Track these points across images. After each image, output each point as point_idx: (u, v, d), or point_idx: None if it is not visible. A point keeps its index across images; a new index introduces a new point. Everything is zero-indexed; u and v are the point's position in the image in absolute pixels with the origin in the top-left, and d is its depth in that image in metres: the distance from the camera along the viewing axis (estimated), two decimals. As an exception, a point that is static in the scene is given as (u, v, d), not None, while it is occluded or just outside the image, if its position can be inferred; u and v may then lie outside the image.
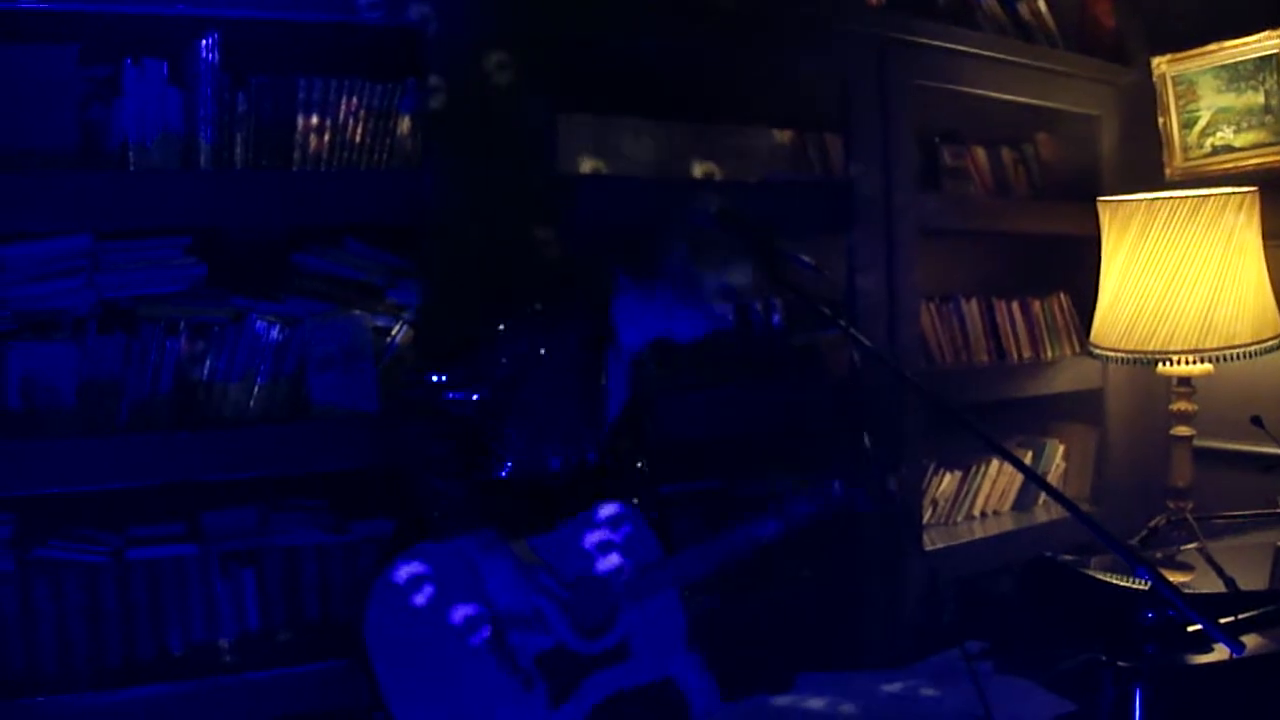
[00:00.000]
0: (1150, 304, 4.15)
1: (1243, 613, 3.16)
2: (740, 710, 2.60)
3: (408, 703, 2.61)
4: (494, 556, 2.68)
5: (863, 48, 4.15)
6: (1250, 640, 3.07)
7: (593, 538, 2.83)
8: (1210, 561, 3.59)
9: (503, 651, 2.68)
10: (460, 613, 2.67)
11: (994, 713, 2.47)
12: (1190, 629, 2.88)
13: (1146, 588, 2.69)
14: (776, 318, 4.06)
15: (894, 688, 2.65)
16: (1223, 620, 3.01)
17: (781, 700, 2.57)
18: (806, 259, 2.79)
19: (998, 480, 4.89)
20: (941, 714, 2.53)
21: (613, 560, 2.83)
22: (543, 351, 2.73)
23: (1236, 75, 4.75)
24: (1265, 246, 4.19)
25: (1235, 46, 4.71)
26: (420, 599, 2.65)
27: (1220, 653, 2.92)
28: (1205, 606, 2.73)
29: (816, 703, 2.57)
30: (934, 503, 4.69)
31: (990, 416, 4.60)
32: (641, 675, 2.83)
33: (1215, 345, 4.06)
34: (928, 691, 2.61)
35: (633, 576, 2.83)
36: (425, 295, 3.34)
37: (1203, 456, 4.40)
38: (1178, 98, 4.95)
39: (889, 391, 4.03)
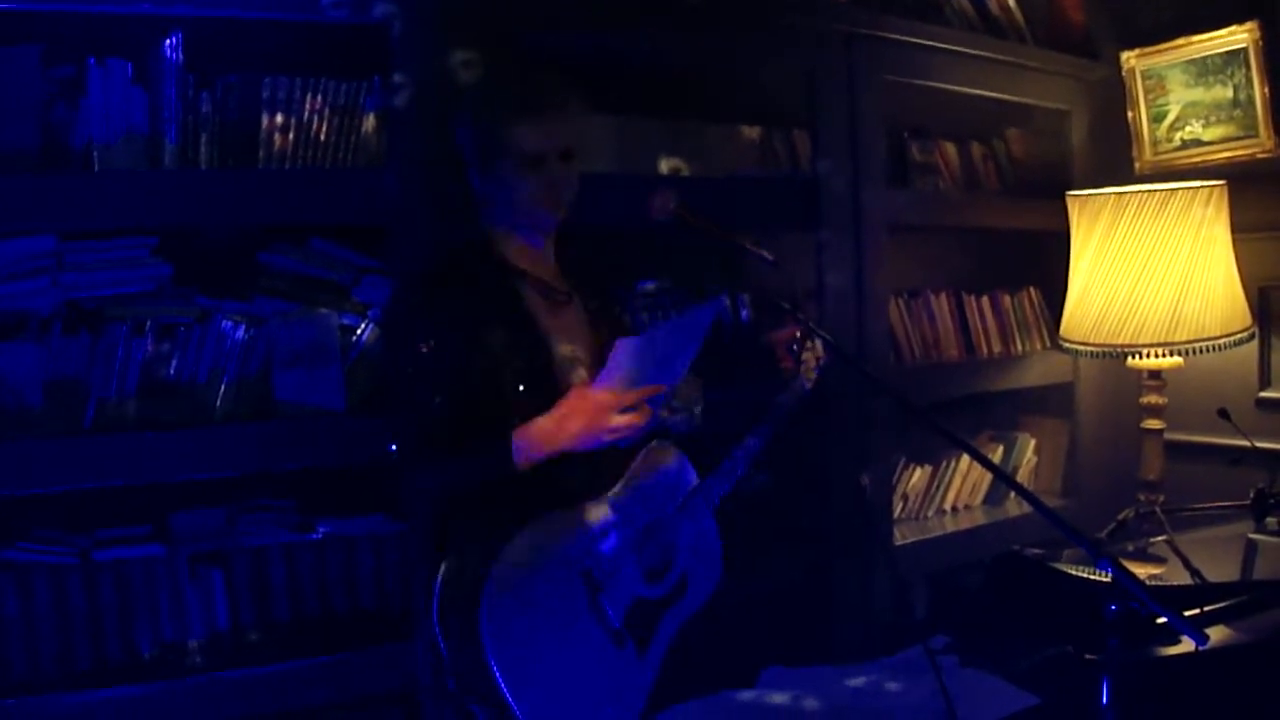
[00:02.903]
0: (1119, 297, 4.16)
1: (1209, 604, 3.17)
2: (703, 706, 2.61)
3: (524, 687, 2.54)
4: (578, 524, 2.71)
5: (830, 43, 4.16)
6: (1218, 632, 3.09)
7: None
8: (1178, 554, 3.61)
9: (599, 615, 2.69)
10: (562, 587, 2.66)
11: (957, 707, 2.47)
12: (1156, 621, 2.89)
13: (1110, 580, 2.69)
14: (745, 314, 4.06)
15: (858, 682, 2.65)
16: (1188, 612, 3.02)
17: (745, 695, 2.58)
18: (765, 254, 2.80)
19: (969, 475, 4.90)
20: (904, 708, 2.53)
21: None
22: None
23: (1205, 70, 4.77)
24: (1234, 239, 4.20)
25: (1204, 41, 4.73)
26: (528, 580, 2.61)
27: (1188, 644, 2.94)
28: (1169, 598, 2.74)
29: (780, 697, 2.58)
30: (904, 497, 4.69)
31: (961, 411, 4.64)
32: (696, 603, 2.90)
33: (1184, 338, 4.07)
34: (891, 686, 2.62)
35: (682, 507, 2.89)
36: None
37: (1173, 449, 4.42)
38: (1147, 92, 4.97)
39: (856, 387, 4.05)
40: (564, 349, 2.85)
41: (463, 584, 2.59)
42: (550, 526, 2.68)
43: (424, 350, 2.70)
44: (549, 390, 2.75)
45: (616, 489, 2.83)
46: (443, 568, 2.68)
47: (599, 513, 2.77)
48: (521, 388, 2.75)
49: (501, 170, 2.79)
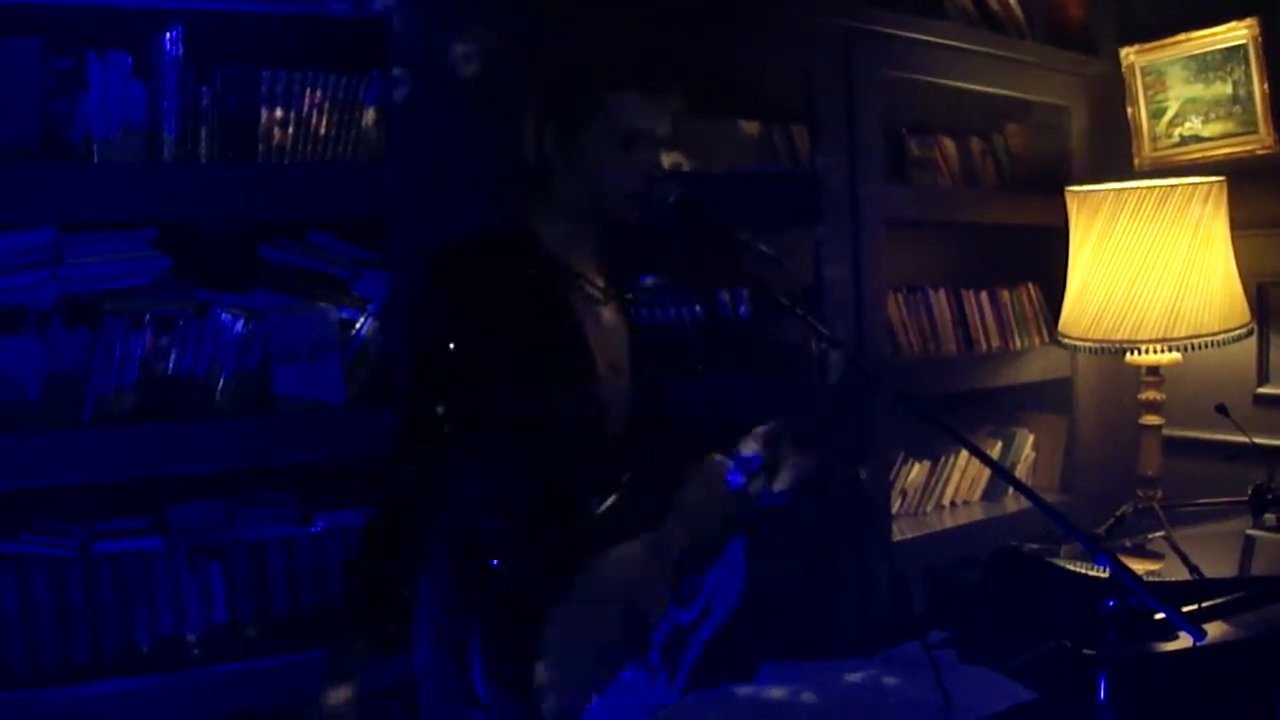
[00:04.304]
0: (1118, 293, 4.16)
1: (1207, 600, 3.17)
2: (700, 700, 2.60)
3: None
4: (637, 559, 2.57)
5: (829, 38, 4.15)
6: (1215, 628, 3.09)
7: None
8: (1176, 549, 3.61)
9: (641, 653, 2.57)
10: (615, 630, 2.53)
11: (954, 701, 2.47)
12: (1154, 617, 2.89)
13: (1108, 576, 2.69)
14: (744, 309, 4.06)
15: (856, 677, 2.63)
16: (1186, 608, 3.02)
17: (744, 689, 2.57)
18: (766, 249, 2.77)
19: (967, 470, 4.90)
20: (901, 703, 2.52)
21: None
22: None
23: (1205, 65, 4.77)
24: (1233, 236, 4.20)
25: (1204, 37, 4.73)
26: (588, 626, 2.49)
27: (1186, 640, 2.93)
28: (1167, 594, 2.74)
29: (778, 692, 2.56)
30: (903, 493, 4.70)
31: (959, 406, 4.63)
32: (718, 622, 2.75)
33: (1183, 334, 4.07)
34: (889, 680, 2.60)
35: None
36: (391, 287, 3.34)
37: (1171, 445, 4.42)
38: (1146, 88, 4.97)
39: (856, 382, 4.05)
40: (602, 359, 2.68)
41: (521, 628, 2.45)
42: (615, 565, 2.53)
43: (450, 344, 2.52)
44: (586, 407, 2.64)
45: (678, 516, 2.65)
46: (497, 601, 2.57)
47: (655, 551, 2.61)
48: (556, 401, 2.60)
49: (589, 144, 2.57)
